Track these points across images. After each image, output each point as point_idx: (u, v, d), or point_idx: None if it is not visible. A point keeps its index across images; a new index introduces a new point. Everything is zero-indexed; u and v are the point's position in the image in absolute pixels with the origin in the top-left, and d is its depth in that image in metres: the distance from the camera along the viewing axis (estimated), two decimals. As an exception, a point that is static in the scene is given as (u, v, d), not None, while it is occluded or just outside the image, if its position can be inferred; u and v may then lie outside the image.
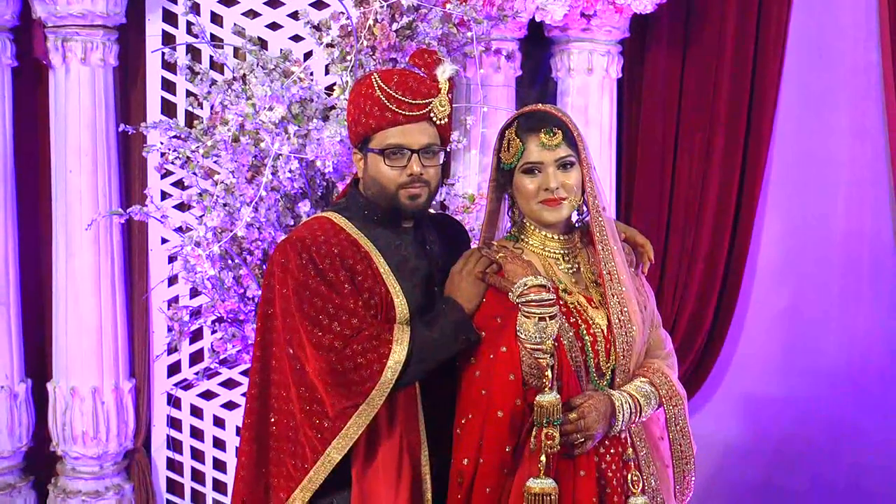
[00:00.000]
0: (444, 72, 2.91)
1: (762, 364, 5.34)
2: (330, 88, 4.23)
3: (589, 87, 4.65)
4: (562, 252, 2.96)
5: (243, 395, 4.15)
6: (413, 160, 2.87)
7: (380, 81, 2.88)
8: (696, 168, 4.95)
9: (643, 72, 4.93)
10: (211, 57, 4.36)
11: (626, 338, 2.91)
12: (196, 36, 4.30)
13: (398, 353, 2.76)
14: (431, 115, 2.89)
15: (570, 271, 2.96)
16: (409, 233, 3.00)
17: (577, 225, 3.03)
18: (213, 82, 4.26)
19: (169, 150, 4.25)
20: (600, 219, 2.93)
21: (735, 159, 4.98)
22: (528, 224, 2.96)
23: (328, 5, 4.30)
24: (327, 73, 4.30)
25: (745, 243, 5.08)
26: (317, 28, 4.21)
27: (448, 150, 3.08)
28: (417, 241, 3.01)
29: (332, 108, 4.11)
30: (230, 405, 4.64)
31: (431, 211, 3.17)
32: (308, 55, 4.34)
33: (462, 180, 4.44)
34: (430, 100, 2.88)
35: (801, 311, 5.32)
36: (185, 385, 4.64)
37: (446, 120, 2.93)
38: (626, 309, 2.91)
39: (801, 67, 5.15)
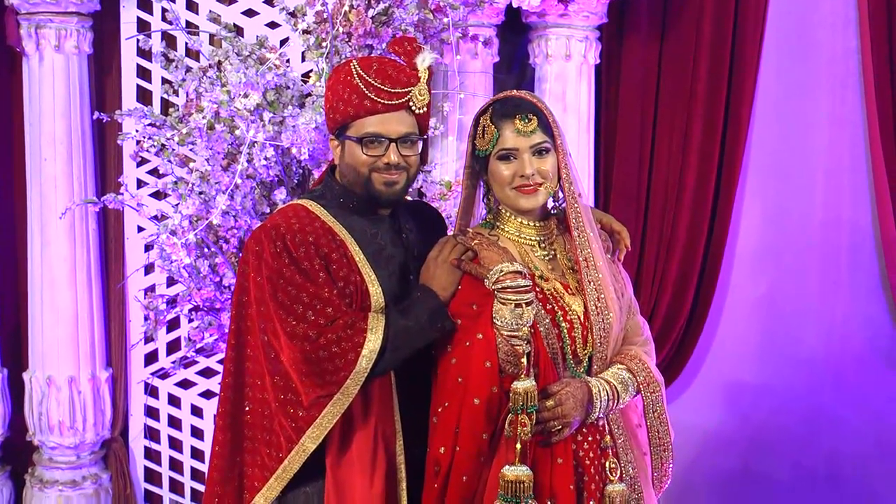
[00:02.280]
0: (424, 60, 2.89)
1: (741, 351, 5.35)
2: (307, 75, 4.20)
3: (567, 74, 4.63)
4: (538, 239, 2.95)
5: (220, 384, 4.13)
6: (391, 149, 2.85)
7: (359, 69, 2.85)
8: (675, 154, 4.95)
9: (621, 58, 4.92)
10: (186, 44, 4.33)
11: (603, 324, 2.90)
12: (171, 23, 4.27)
13: (373, 342, 2.74)
14: (410, 103, 2.87)
15: (547, 258, 2.95)
16: (385, 220, 2.99)
17: (553, 211, 3.02)
18: (189, 69, 4.23)
19: (144, 137, 4.21)
20: (576, 205, 2.91)
21: (713, 146, 4.97)
22: (503, 211, 2.95)
23: (304, -9, 4.28)
24: (304, 59, 4.27)
25: (723, 230, 5.08)
26: (292, 15, 4.19)
27: (426, 137, 3.05)
28: (393, 229, 3.00)
29: (308, 95, 4.09)
30: (207, 394, 4.62)
31: (408, 198, 3.16)
32: (284, 42, 4.31)
33: (439, 167, 4.43)
34: (410, 88, 2.86)
35: (780, 299, 5.34)
36: (162, 374, 4.62)
37: (425, 109, 2.92)
38: (602, 295, 2.90)
39: (780, 54, 5.15)
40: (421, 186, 4.28)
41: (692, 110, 4.93)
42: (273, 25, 4.35)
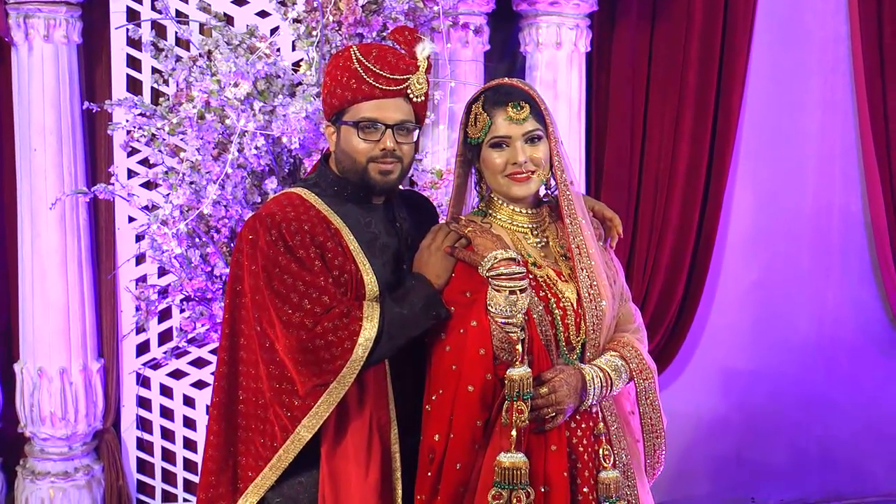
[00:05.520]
0: (424, 50, 2.89)
1: (733, 337, 5.36)
2: (297, 64, 4.19)
3: (558, 61, 4.63)
4: (530, 226, 2.95)
5: (213, 374, 4.13)
6: (386, 135, 2.84)
7: (358, 54, 2.85)
8: (666, 141, 4.95)
9: (612, 45, 4.92)
10: (176, 33, 4.32)
11: (596, 311, 2.90)
12: (160, 12, 4.25)
13: (369, 331, 2.73)
14: (408, 91, 2.87)
15: (539, 245, 2.95)
16: (379, 209, 2.98)
17: (545, 199, 3.02)
18: (178, 59, 4.21)
19: (134, 127, 4.20)
20: (568, 192, 2.91)
21: (704, 133, 4.98)
22: (495, 198, 2.95)
23: (294, -20, 4.27)
24: (294, 48, 4.26)
25: (714, 216, 5.09)
26: (282, 3, 4.18)
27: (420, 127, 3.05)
28: (387, 218, 2.99)
29: (299, 84, 4.08)
30: (200, 384, 4.62)
31: (401, 187, 3.15)
32: (274, 31, 4.30)
33: (430, 156, 4.42)
34: (408, 76, 2.86)
35: (772, 284, 5.35)
36: (154, 364, 4.61)
37: (423, 98, 2.91)
38: (595, 282, 2.90)
39: (771, 40, 5.16)
40: (412, 175, 4.27)
41: (683, 97, 4.93)
42: (263, 14, 4.33)
